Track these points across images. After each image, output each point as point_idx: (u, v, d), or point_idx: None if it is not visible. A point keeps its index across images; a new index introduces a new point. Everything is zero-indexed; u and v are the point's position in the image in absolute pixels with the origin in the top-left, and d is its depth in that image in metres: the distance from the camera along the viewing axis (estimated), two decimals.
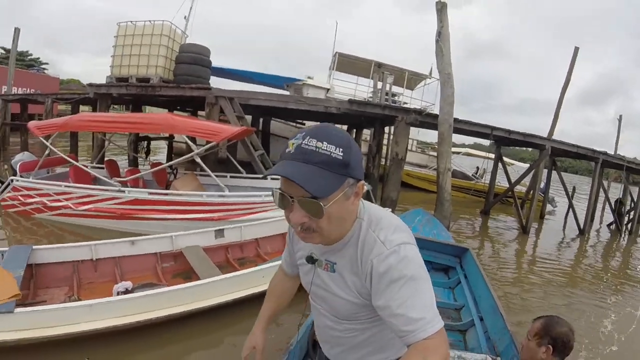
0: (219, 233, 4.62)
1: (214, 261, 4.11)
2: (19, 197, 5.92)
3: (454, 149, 17.65)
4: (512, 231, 9.90)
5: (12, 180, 6.01)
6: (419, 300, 0.97)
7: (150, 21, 9.34)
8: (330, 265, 1.14)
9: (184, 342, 3.10)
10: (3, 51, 37.70)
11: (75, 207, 5.67)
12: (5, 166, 7.05)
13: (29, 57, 37.31)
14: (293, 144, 0.92)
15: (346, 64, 16.10)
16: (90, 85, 9.40)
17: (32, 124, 6.68)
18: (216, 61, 11.21)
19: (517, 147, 14.55)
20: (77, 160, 6.65)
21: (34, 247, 3.60)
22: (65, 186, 5.79)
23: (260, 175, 7.17)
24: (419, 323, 0.94)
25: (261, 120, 14.53)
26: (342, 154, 0.90)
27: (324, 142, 0.90)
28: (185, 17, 12.21)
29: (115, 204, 5.61)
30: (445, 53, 7.81)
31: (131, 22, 9.45)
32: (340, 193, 0.92)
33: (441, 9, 7.78)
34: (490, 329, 2.86)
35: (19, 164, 6.35)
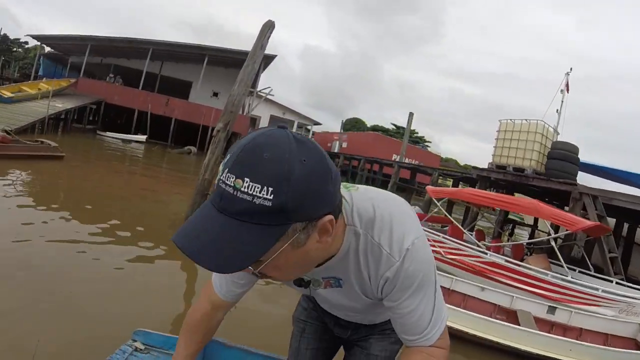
0: (551, 310, 5.50)
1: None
2: None
3: None
4: None
5: None
6: (427, 306, 0.89)
7: (526, 120, 11.32)
8: (334, 281, 0.98)
9: None
10: (394, 127, 48.63)
11: (444, 255, 7.69)
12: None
13: (415, 135, 46.16)
14: (220, 171, 0.66)
15: None
16: (475, 168, 12.17)
17: (429, 187, 9.53)
18: (588, 156, 11.74)
19: None
20: None
21: None
22: (443, 237, 7.91)
23: (608, 278, 7.47)
24: (424, 332, 0.90)
25: (626, 225, 13.75)
26: (271, 197, 0.60)
27: (245, 180, 0.61)
28: (557, 111, 13.23)
29: (476, 261, 7.29)
30: None
31: (510, 119, 11.70)
32: (283, 245, 0.66)
33: None
34: None
35: None
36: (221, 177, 0.64)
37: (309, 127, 45.52)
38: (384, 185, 20.33)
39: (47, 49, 32.74)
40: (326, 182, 0.68)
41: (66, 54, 31.42)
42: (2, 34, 38.43)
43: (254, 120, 34.84)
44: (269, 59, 26.46)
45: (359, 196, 0.89)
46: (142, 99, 26.01)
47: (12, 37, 45.69)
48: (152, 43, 26.40)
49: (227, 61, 27.29)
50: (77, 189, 8.93)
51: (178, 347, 1.17)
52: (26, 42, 45.24)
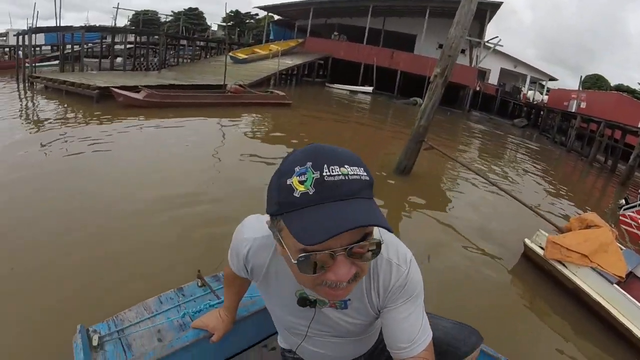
0: None
1: None
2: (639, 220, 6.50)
3: None
4: None
5: None
6: (418, 316, 0.98)
7: None
8: (340, 303, 1.03)
9: None
10: None
11: None
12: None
13: None
14: (304, 181, 0.71)
15: None
16: None
17: None
18: None
19: None
20: None
21: None
22: None
23: None
24: (413, 340, 0.95)
25: None
26: (366, 174, 0.75)
27: (346, 166, 0.73)
28: None
29: None
30: None
31: None
32: None
33: None
34: None
35: None
36: (324, 174, 0.71)
37: (543, 83, 41.07)
38: (624, 157, 17.16)
39: (276, 17, 37.34)
40: None
41: (292, 19, 35.24)
42: (234, 10, 44.70)
43: (482, 73, 33.29)
44: (494, 7, 25.03)
45: None
46: (367, 53, 27.47)
47: (243, 11, 53.09)
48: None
49: (450, 12, 26.09)
50: (300, 132, 10.55)
51: (224, 299, 1.45)
52: (256, 14, 51.74)
